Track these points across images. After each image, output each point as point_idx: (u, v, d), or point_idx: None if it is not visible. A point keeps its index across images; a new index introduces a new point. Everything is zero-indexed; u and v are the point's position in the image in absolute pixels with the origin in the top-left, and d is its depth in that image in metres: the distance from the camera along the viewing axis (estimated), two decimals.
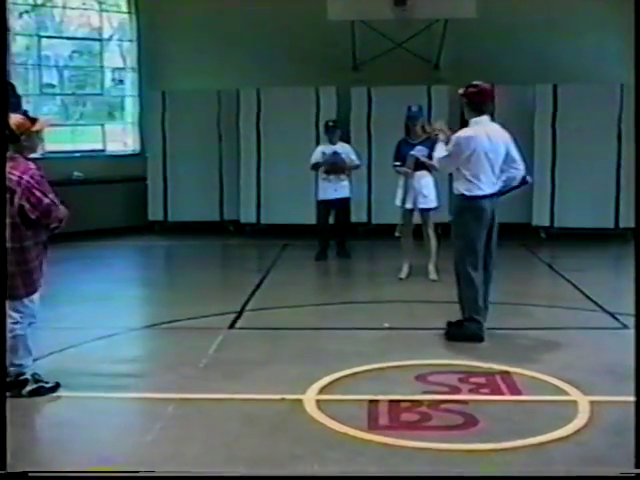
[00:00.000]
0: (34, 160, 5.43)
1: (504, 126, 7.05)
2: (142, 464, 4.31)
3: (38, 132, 5.34)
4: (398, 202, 9.42)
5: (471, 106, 6.80)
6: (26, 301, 5.37)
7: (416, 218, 9.46)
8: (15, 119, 5.24)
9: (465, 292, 6.82)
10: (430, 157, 9.26)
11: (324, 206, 10.78)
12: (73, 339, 6.77)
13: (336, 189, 10.57)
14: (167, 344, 7.10)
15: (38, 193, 5.18)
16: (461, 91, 6.86)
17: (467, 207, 6.75)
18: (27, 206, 5.16)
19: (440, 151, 7.01)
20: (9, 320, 5.27)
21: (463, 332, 6.76)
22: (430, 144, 9.38)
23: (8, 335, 5.26)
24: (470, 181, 6.72)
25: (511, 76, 12.52)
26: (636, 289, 5.71)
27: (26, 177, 5.16)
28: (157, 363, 6.58)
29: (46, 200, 5.21)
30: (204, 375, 5.99)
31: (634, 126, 11.59)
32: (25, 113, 5.39)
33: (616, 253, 11.57)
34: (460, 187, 6.78)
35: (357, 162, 10.72)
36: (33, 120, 5.35)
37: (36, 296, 5.44)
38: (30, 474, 4.10)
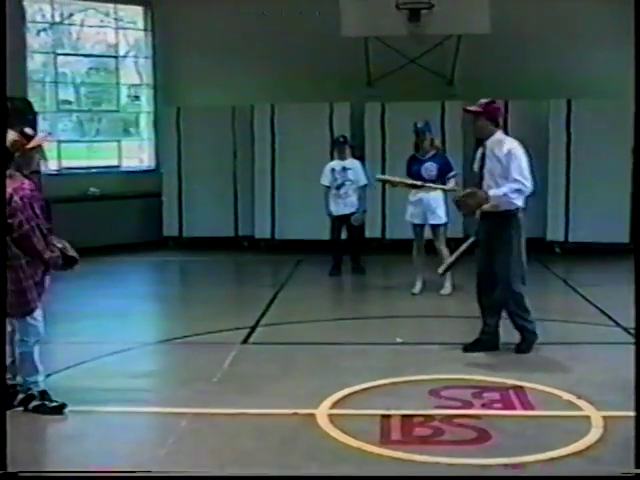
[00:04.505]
0: (34, 179, 5.47)
1: (519, 141, 7.08)
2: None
3: (33, 149, 5.32)
4: (407, 217, 9.43)
5: (493, 121, 6.76)
6: (29, 319, 5.34)
7: (427, 233, 9.45)
8: (10, 137, 5.26)
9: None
10: (439, 173, 9.27)
11: (336, 221, 10.80)
12: (88, 354, 6.81)
13: (346, 204, 10.58)
14: (181, 359, 7.14)
15: (22, 216, 5.17)
16: (477, 108, 6.75)
17: None
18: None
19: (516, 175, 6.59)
20: (16, 337, 5.31)
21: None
22: (439, 160, 9.40)
23: (16, 351, 5.31)
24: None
25: (525, 91, 12.55)
26: (636, 298, 5.70)
27: (16, 197, 5.17)
28: (171, 378, 6.61)
29: (26, 226, 5.19)
30: (217, 390, 6.01)
31: (633, 134, 11.59)
32: (22, 131, 5.35)
33: (631, 268, 11.45)
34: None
35: (364, 181, 10.63)
36: (29, 137, 5.33)
37: (38, 312, 5.41)
38: (23, 474, 4.15)
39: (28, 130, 5.42)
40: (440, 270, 8.01)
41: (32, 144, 5.28)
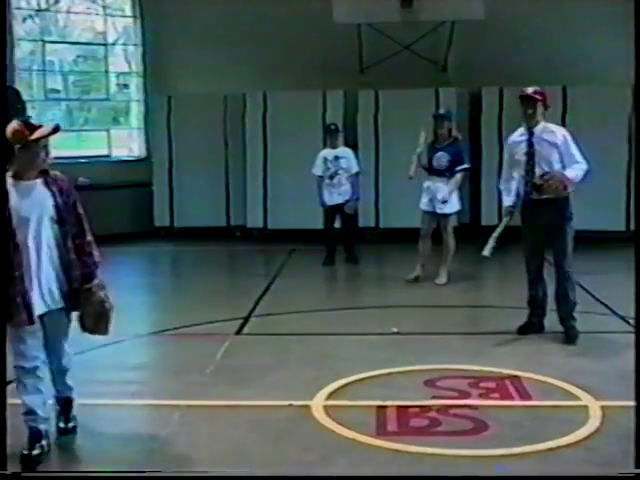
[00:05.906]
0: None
1: (513, 129, 7.07)
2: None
3: (37, 142, 4.51)
4: (421, 205, 9.31)
5: (545, 107, 6.93)
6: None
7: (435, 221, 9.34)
8: (11, 126, 4.48)
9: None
10: (451, 163, 9.13)
11: (329, 211, 10.70)
12: (79, 346, 6.67)
13: (340, 193, 10.49)
14: (173, 351, 7.06)
15: None
16: (531, 93, 6.85)
17: None
18: None
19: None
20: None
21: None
22: (454, 150, 9.23)
23: None
24: None
25: (519, 78, 12.32)
26: (636, 290, 5.65)
27: None
28: (163, 370, 6.56)
29: None
30: (211, 381, 5.95)
31: (635, 126, 11.54)
32: (26, 121, 4.61)
33: (627, 256, 11.38)
34: None
35: (356, 169, 10.55)
36: (32, 128, 4.51)
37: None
38: (23, 475, 4.09)
39: (34, 121, 4.73)
40: (485, 253, 7.69)
41: (36, 135, 4.48)
